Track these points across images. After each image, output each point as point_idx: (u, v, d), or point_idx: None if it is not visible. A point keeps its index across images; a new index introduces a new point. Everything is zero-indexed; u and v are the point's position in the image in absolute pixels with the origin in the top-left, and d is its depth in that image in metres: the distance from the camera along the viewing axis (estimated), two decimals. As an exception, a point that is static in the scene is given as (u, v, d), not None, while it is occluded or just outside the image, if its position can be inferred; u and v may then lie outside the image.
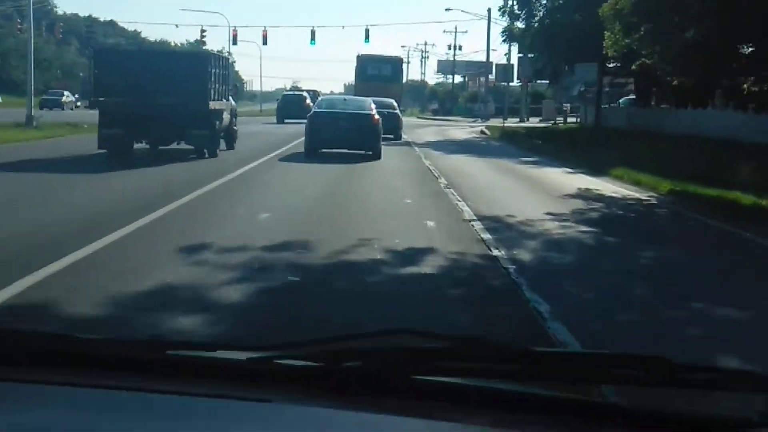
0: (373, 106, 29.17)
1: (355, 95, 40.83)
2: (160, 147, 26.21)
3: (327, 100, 32.40)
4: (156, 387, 2.06)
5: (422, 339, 2.17)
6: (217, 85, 27.01)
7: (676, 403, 2.08)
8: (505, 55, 77.09)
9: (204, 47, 67.49)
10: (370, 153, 27.07)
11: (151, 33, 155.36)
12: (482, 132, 50.88)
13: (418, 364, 2.13)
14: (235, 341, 2.94)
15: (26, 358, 2.13)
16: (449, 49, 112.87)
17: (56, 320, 7.05)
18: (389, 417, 1.99)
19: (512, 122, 63.73)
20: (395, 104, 41.18)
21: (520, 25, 50.69)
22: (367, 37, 69.30)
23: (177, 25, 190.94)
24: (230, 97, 29.56)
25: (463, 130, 55.80)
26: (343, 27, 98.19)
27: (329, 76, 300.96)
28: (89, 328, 6.85)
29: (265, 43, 65.72)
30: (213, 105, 26.13)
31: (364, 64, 66.01)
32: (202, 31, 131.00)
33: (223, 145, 27.94)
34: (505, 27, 52.52)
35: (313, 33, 65.90)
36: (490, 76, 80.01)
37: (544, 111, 76.07)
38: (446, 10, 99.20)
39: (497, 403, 2.02)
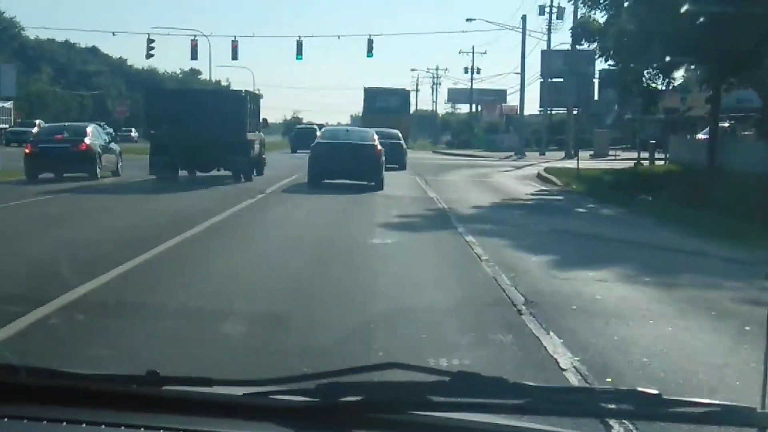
0: (375, 136, 28.82)
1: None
2: (202, 174, 29.69)
3: (330, 130, 32.87)
4: (153, 423, 2.06)
5: (416, 373, 2.18)
6: (251, 119, 30.34)
7: None
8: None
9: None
10: (373, 184, 26.76)
11: (138, 61, 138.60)
12: (541, 176, 36.04)
13: (414, 399, 2.11)
14: (232, 375, 2.58)
15: (24, 394, 2.15)
16: (465, 72, 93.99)
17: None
18: None
19: (555, 159, 54.99)
20: (399, 134, 41.84)
21: (600, 18, 32.18)
22: (370, 51, 53.44)
23: (152, 47, 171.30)
24: (260, 130, 33.01)
25: (506, 173, 41.55)
26: (339, 37, 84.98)
27: (333, 107, 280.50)
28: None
29: (235, 57, 47.71)
30: (249, 136, 29.53)
31: (372, 96, 67.68)
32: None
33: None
34: (579, 19, 33.30)
35: (299, 45, 48.69)
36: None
37: (595, 143, 56.09)
38: (467, 20, 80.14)
39: None
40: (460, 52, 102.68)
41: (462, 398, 2.09)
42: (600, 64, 48.09)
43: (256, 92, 37.19)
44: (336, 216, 18.88)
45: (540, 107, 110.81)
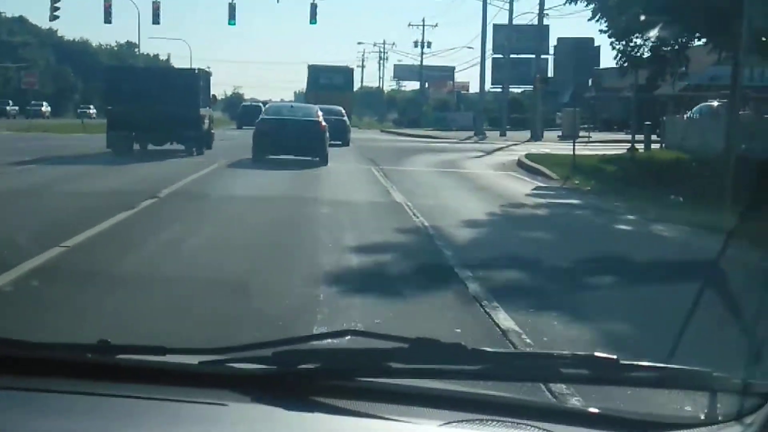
0: (320, 113, 28.81)
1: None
2: (155, 147, 30.33)
3: (274, 106, 32.63)
4: (107, 392, 2.01)
5: (374, 340, 2.13)
6: (203, 96, 31.71)
7: (624, 401, 2.30)
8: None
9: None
10: (317, 159, 26.63)
11: (69, 32, 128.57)
12: (524, 165, 28.75)
13: (372, 366, 2.08)
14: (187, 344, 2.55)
15: None
16: (415, 46, 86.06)
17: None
18: (345, 419, 1.95)
19: (520, 140, 48.80)
20: (342, 111, 41.56)
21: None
22: (313, 17, 45.45)
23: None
24: (209, 106, 33.91)
25: (477, 159, 33.62)
26: (278, 0, 72.59)
27: (276, 83, 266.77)
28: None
29: (156, 21, 40.42)
30: (201, 112, 30.78)
31: (316, 74, 68.23)
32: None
33: None
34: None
35: (232, 8, 42.18)
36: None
37: (564, 124, 48.65)
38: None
39: (451, 403, 1.98)
40: (409, 25, 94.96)
41: (420, 365, 2.04)
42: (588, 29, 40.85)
43: (207, 69, 37.29)
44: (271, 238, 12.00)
45: (492, 84, 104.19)
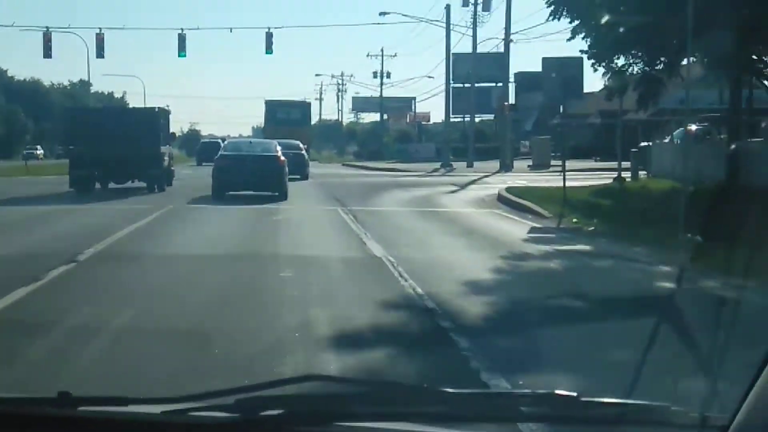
0: (278, 147, 28.78)
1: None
2: (117, 185, 30.25)
3: (233, 142, 32.92)
4: None
5: (337, 384, 2.21)
6: (163, 134, 31.85)
7: None
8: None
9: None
10: (277, 194, 26.19)
11: (20, 71, 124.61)
12: (506, 200, 25.57)
13: (336, 410, 2.07)
14: (149, 393, 2.68)
15: None
16: (374, 77, 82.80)
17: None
18: None
19: (489, 171, 45.41)
20: (300, 145, 41.20)
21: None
22: (269, 47, 46.44)
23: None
24: (169, 144, 34.19)
25: (452, 195, 30.34)
26: (231, 30, 70.57)
27: (233, 118, 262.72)
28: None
29: (100, 54, 37.39)
30: (162, 149, 30.92)
31: (273, 109, 67.57)
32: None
33: None
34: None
35: (182, 39, 38.43)
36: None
37: (535, 153, 46.13)
38: (381, 14, 69.43)
39: None
40: (368, 56, 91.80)
41: (384, 408, 2.04)
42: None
43: (166, 108, 37.50)
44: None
45: (453, 114, 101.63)
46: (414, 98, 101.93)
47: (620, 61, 26.45)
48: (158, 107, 34.13)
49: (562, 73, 23.61)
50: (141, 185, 30.06)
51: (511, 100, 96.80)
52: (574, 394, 2.04)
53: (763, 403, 1.74)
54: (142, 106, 70.55)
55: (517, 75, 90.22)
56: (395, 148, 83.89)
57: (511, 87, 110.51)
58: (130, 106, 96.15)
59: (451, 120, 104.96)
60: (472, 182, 35.88)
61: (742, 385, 1.88)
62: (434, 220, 20.25)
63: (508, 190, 27.23)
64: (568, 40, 29.43)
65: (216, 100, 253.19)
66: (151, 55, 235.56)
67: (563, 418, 2.14)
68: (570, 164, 47.66)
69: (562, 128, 71.05)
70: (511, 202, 23.97)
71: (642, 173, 32.88)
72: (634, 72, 27.20)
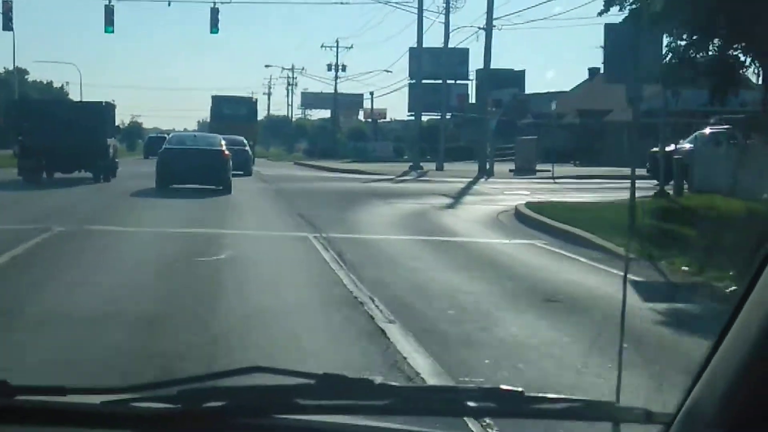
0: (223, 142, 28.48)
1: None
2: (64, 175, 30.71)
3: (177, 136, 32.61)
4: None
5: (281, 376, 2.04)
6: (108, 127, 33.19)
7: None
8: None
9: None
10: (221, 188, 25.72)
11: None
12: (531, 220, 19.01)
13: (279, 403, 1.99)
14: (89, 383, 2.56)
15: None
16: (329, 69, 74.93)
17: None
18: None
19: (466, 175, 39.11)
20: (244, 141, 40.23)
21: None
22: (214, 25, 44.28)
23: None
24: (114, 136, 35.88)
25: (447, 210, 23.39)
26: (169, 3, 58.50)
27: (178, 112, 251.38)
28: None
29: (7, 27, 29.08)
30: (108, 142, 32.09)
31: (219, 104, 65.94)
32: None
33: None
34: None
35: (109, 12, 30.04)
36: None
37: (519, 156, 39.01)
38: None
39: None
40: (322, 47, 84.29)
41: (328, 400, 1.97)
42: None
43: (112, 102, 37.80)
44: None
45: (409, 111, 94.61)
46: (364, 94, 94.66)
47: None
48: (105, 101, 34.99)
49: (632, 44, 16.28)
50: (87, 175, 30.75)
51: (472, 98, 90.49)
52: (520, 389, 1.95)
53: (706, 399, 1.63)
54: (84, 99, 68.92)
55: (480, 72, 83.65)
56: (350, 146, 76.42)
57: (471, 84, 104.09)
58: (69, 96, 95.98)
59: (408, 118, 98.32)
60: (463, 192, 28.54)
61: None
62: (461, 259, 12.91)
63: (530, 206, 20.04)
64: (600, 13, 22.48)
65: (159, 91, 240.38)
66: (84, 39, 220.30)
67: (509, 412, 2.13)
68: (557, 170, 40.90)
69: (533, 128, 64.25)
70: (548, 227, 16.77)
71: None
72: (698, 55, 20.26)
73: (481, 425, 4.59)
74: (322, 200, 23.72)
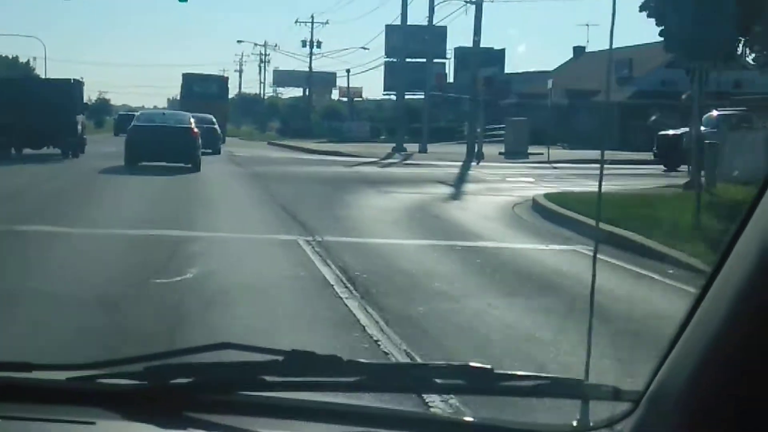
0: (192, 120, 28.43)
1: None
2: (33, 151, 31.04)
3: (146, 114, 32.74)
4: None
5: (250, 353, 1.97)
6: (77, 104, 33.90)
7: (500, 411, 2.25)
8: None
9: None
10: (190, 165, 25.60)
11: None
12: (554, 213, 15.79)
13: (247, 379, 1.95)
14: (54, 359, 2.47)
15: None
16: (303, 46, 71.44)
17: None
18: None
19: (454, 158, 35.52)
20: (213, 119, 40.00)
21: None
22: None
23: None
24: (82, 113, 35.95)
25: (452, 202, 19.81)
26: None
27: (147, 89, 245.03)
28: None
29: None
30: (77, 119, 32.75)
31: (190, 82, 64.64)
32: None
33: None
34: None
35: None
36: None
37: (508, 138, 35.55)
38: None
39: (328, 416, 1.89)
40: (297, 22, 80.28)
41: (297, 377, 1.93)
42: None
43: (80, 79, 37.93)
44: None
45: (385, 90, 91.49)
46: (336, 73, 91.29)
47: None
48: (73, 79, 35.28)
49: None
50: (56, 151, 31.18)
51: (451, 77, 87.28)
52: (489, 366, 1.91)
53: (675, 375, 1.58)
54: (48, 74, 73.34)
55: (457, 50, 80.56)
56: (325, 125, 73.03)
57: (450, 63, 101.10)
58: (35, 71, 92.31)
59: (384, 97, 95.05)
60: (461, 179, 25.39)
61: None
62: (503, 278, 9.75)
63: (551, 198, 16.97)
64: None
65: (128, 67, 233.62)
66: (49, 12, 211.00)
67: (477, 389, 2.12)
68: (556, 153, 37.78)
69: (513, 108, 60.86)
70: (581, 225, 13.68)
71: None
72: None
73: (449, 403, 4.41)
74: (305, 188, 20.63)
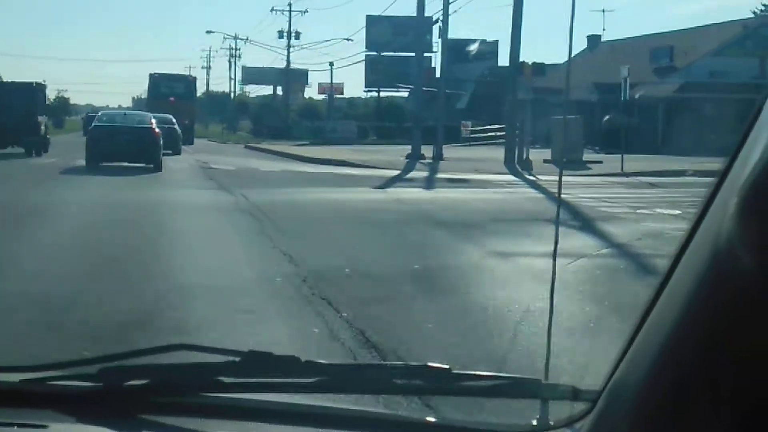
0: (153, 120, 28.28)
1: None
2: None
3: (107, 114, 31.52)
4: None
5: (205, 354, 1.94)
6: (39, 105, 36.23)
7: (462, 410, 2.18)
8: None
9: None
10: (151, 166, 25.86)
11: None
12: None
13: (203, 381, 1.90)
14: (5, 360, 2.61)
15: None
16: (280, 37, 62.28)
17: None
18: None
19: (488, 166, 28.67)
20: (173, 120, 40.15)
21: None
22: None
23: None
24: (45, 114, 38.97)
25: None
26: None
27: (111, 87, 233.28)
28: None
29: None
30: (39, 119, 34.86)
31: (156, 82, 62.70)
32: None
33: None
34: None
35: None
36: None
37: (555, 140, 24.99)
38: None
39: (285, 417, 1.87)
40: (273, 10, 70.72)
41: (253, 378, 1.87)
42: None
43: (42, 83, 39.89)
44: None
45: (366, 87, 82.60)
46: (308, 70, 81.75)
47: None
48: (36, 82, 37.59)
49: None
50: (20, 150, 32.69)
51: (438, 72, 78.35)
52: (447, 366, 1.87)
53: (631, 374, 1.54)
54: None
55: (449, 42, 72.07)
56: (304, 125, 63.61)
57: (436, 57, 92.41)
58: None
59: (364, 95, 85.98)
60: (575, 214, 15.85)
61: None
62: None
63: None
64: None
65: (88, 63, 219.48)
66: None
67: (436, 390, 2.11)
68: (610, 163, 28.72)
69: (532, 105, 51.40)
70: None
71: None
72: None
73: (410, 403, 4.23)
74: (341, 235, 11.71)
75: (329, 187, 21.90)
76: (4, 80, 72.66)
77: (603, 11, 60.95)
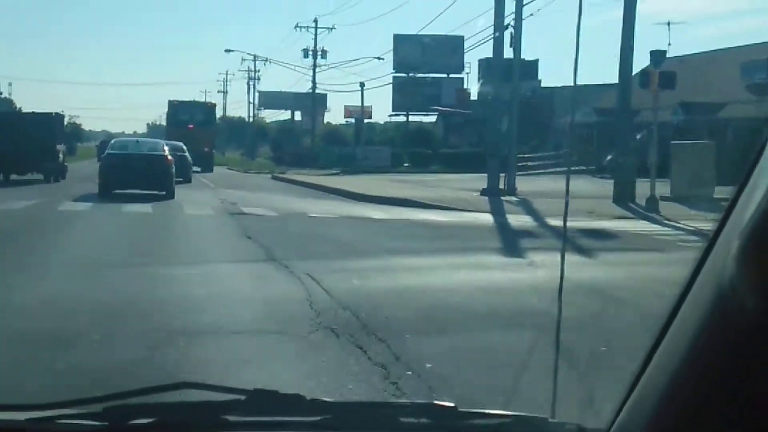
0: (166, 147, 28.54)
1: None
2: (17, 176, 35.34)
3: (120, 141, 31.38)
4: None
5: (211, 392, 1.94)
6: (57, 134, 37.86)
7: None
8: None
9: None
10: (164, 193, 25.90)
11: None
12: None
13: (208, 420, 1.88)
14: (12, 399, 2.53)
15: None
16: (305, 56, 55.39)
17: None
18: None
19: (603, 212, 20.96)
20: (183, 147, 39.17)
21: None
22: None
23: None
24: (63, 143, 41.21)
25: None
26: None
27: (127, 114, 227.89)
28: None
29: None
30: (58, 147, 37.06)
31: (175, 109, 61.68)
32: None
33: None
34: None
35: None
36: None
37: (676, 172, 16.89)
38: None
39: None
40: (297, 27, 64.18)
41: (259, 417, 1.86)
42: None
43: (61, 113, 44.09)
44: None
45: (393, 110, 76.48)
46: (327, 95, 75.37)
47: None
48: (54, 113, 40.60)
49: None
50: (39, 177, 34.59)
51: (474, 94, 72.12)
52: (453, 404, 1.90)
53: (637, 413, 1.53)
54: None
55: (482, 62, 66.01)
56: (332, 152, 56.92)
57: (468, 78, 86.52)
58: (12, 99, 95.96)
59: (391, 119, 79.42)
60: None
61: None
62: None
63: None
64: None
65: (103, 87, 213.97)
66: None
67: (442, 428, 2.00)
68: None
69: (594, 130, 44.16)
70: None
71: None
72: None
73: None
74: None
75: (431, 253, 13.54)
76: (24, 111, 69.84)
77: (668, 24, 54.08)
